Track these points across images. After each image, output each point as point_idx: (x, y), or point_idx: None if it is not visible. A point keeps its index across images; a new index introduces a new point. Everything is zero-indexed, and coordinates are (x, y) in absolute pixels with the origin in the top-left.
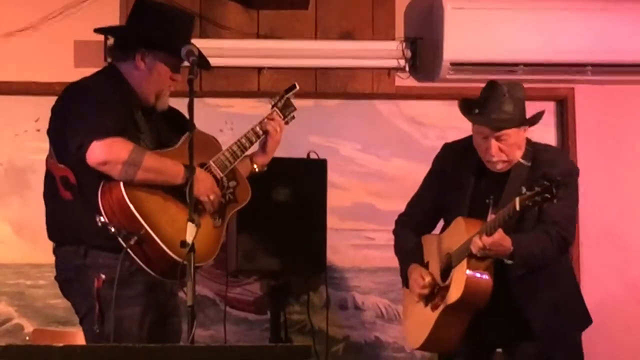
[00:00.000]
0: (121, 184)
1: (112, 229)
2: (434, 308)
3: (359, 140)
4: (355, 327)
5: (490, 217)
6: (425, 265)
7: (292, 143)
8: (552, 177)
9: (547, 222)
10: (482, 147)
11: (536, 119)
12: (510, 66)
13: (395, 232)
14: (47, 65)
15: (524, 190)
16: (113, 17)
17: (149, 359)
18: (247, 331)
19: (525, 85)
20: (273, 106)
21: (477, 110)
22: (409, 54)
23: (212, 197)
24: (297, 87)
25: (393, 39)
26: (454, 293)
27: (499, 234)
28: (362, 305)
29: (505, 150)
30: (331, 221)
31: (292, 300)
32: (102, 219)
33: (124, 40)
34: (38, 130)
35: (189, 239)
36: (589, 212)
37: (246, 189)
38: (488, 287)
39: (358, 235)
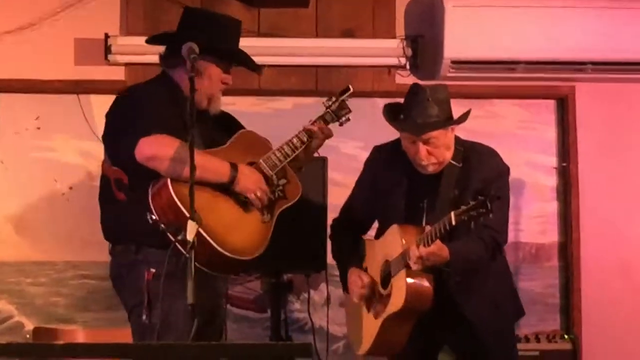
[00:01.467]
0: (169, 181)
1: (162, 226)
2: (376, 315)
3: (360, 138)
4: None
5: (426, 220)
6: (364, 270)
7: None
8: (487, 192)
9: (479, 227)
10: (411, 152)
11: (463, 118)
12: (510, 64)
13: (331, 237)
14: (47, 63)
15: (456, 191)
16: (113, 16)
17: (151, 356)
18: (247, 329)
19: (526, 83)
20: (327, 108)
21: (402, 116)
22: (409, 52)
23: (258, 194)
24: (352, 90)
25: (394, 37)
26: (396, 302)
27: (436, 245)
28: None
29: (434, 152)
30: (332, 219)
31: (293, 298)
32: (152, 217)
33: (174, 48)
34: (38, 128)
35: (190, 236)
36: (589, 209)
37: (297, 187)
38: (429, 293)
39: None
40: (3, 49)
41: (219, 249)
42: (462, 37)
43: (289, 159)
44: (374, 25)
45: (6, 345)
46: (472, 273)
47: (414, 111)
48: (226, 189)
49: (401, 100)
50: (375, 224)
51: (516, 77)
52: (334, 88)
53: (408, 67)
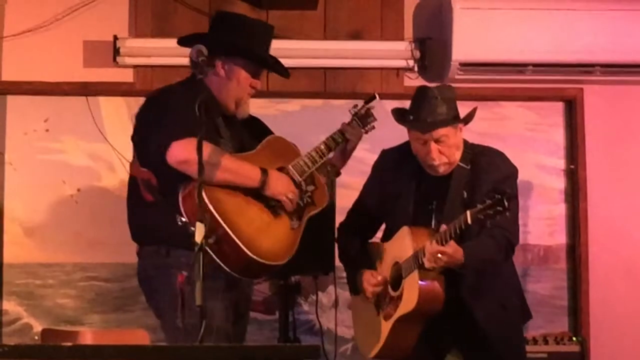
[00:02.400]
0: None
1: (192, 228)
2: (386, 317)
3: (368, 140)
4: None
5: (435, 222)
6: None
7: (300, 143)
8: (503, 190)
9: (491, 227)
10: (422, 153)
11: (470, 117)
12: (519, 66)
13: (338, 240)
14: (56, 65)
15: (465, 193)
16: (122, 18)
17: (160, 358)
18: (256, 331)
19: (534, 86)
20: (353, 115)
21: (411, 117)
22: (417, 54)
23: (290, 196)
24: (377, 98)
25: (402, 39)
26: (408, 303)
27: (452, 247)
28: None
29: (445, 152)
30: (339, 221)
31: (301, 300)
32: (182, 219)
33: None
34: (47, 130)
35: (198, 238)
36: (597, 212)
37: (324, 194)
38: (440, 295)
39: None
40: (12, 51)
41: (248, 252)
42: (471, 40)
43: (317, 165)
44: (382, 27)
45: (15, 347)
46: (483, 274)
47: (423, 111)
48: (257, 193)
49: (409, 101)
50: (382, 227)
51: (524, 79)
52: (342, 90)
53: (416, 69)
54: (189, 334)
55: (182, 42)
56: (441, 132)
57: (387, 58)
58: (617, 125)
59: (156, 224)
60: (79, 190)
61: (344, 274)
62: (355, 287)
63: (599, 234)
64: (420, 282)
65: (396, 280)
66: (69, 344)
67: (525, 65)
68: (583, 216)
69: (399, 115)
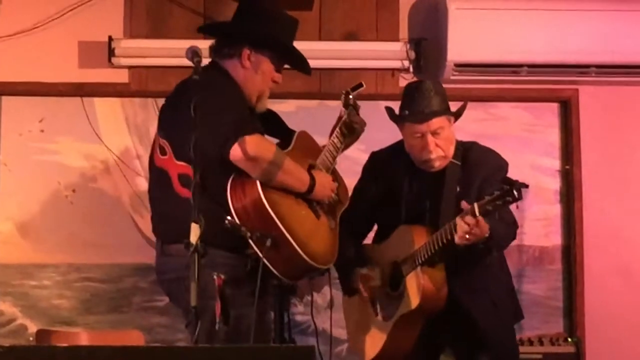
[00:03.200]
0: (258, 184)
1: (243, 229)
2: (386, 318)
3: (363, 141)
4: None
5: (429, 219)
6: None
7: None
8: (511, 180)
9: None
10: (417, 148)
11: (461, 110)
12: (514, 67)
13: None
14: (51, 66)
15: (458, 188)
16: (117, 19)
17: (153, 359)
18: None
19: (529, 86)
20: (351, 105)
21: (406, 112)
22: (412, 54)
23: (333, 197)
24: (364, 86)
25: (397, 39)
26: (411, 300)
27: (481, 220)
28: None
29: (441, 145)
30: None
31: (296, 301)
32: (230, 219)
33: (229, 38)
34: (42, 131)
35: (193, 239)
36: (593, 212)
37: (345, 189)
38: (444, 292)
39: None
40: (7, 52)
41: (303, 255)
42: (466, 40)
43: (335, 160)
44: (377, 28)
45: (10, 348)
46: (473, 270)
47: (418, 103)
48: (303, 195)
49: None
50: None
51: (520, 80)
52: (337, 91)
53: (411, 69)
54: (221, 339)
55: (205, 30)
56: (438, 123)
57: (382, 59)
58: (613, 125)
59: (190, 221)
60: (74, 191)
61: None
62: (349, 288)
63: (594, 235)
64: (424, 279)
65: (395, 279)
66: (64, 345)
67: (520, 66)
68: (578, 217)
69: (392, 112)
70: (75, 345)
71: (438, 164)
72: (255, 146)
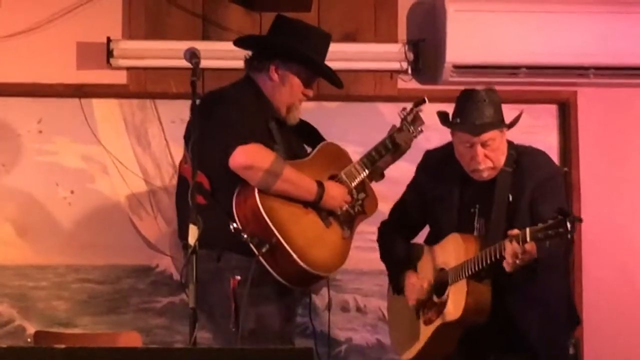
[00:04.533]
0: (256, 192)
1: (245, 236)
2: (427, 322)
3: (361, 142)
4: (357, 330)
5: (478, 227)
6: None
7: None
8: (566, 211)
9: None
10: (466, 157)
11: (516, 121)
12: (512, 69)
13: (381, 239)
14: (49, 67)
15: (510, 197)
16: (115, 20)
17: None
18: None
19: (528, 88)
20: (403, 119)
21: (458, 120)
22: (411, 56)
23: (344, 208)
24: (427, 102)
25: (395, 41)
26: (453, 312)
27: (531, 245)
28: (364, 307)
29: (491, 156)
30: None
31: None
32: (235, 225)
33: (261, 51)
34: (40, 132)
35: (191, 240)
36: (591, 214)
37: (374, 201)
38: (487, 307)
39: (360, 238)
40: (5, 53)
41: (300, 263)
42: (464, 42)
43: (367, 172)
44: (375, 29)
45: (7, 349)
46: (532, 277)
47: (470, 113)
48: (310, 203)
49: (403, 104)
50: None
51: (518, 81)
52: (335, 92)
53: (410, 71)
54: (244, 339)
55: (238, 43)
56: (488, 135)
57: (380, 60)
58: (611, 127)
59: (208, 228)
60: (72, 192)
61: (339, 277)
62: (397, 287)
63: (593, 236)
64: (468, 292)
65: (440, 285)
66: (62, 346)
67: (518, 67)
68: None
69: (445, 117)
70: (73, 347)
71: (487, 175)
72: (251, 155)
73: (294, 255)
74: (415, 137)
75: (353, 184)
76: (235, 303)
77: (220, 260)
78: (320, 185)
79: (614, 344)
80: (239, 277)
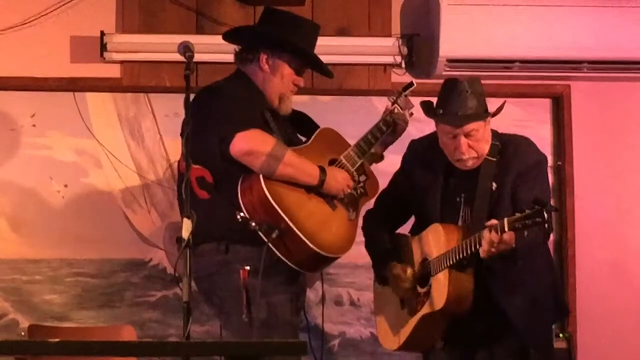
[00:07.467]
0: (261, 178)
1: (253, 224)
2: (412, 312)
3: (355, 136)
4: (350, 323)
5: (462, 216)
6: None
7: None
8: (544, 201)
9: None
10: (450, 147)
11: (499, 110)
12: (506, 63)
13: (365, 228)
14: (43, 61)
15: (494, 185)
16: (109, 13)
17: (146, 354)
18: None
19: (522, 82)
20: (393, 103)
21: (440, 111)
22: (405, 50)
23: (347, 191)
24: (415, 85)
25: (389, 35)
26: (436, 302)
27: (508, 234)
28: (358, 301)
29: (474, 146)
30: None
31: None
32: (242, 214)
33: (250, 43)
34: (34, 126)
35: (185, 234)
36: (584, 208)
37: (375, 183)
38: (469, 297)
39: None
40: None
41: (311, 246)
42: (458, 36)
43: (366, 155)
44: (369, 23)
45: (1, 343)
46: (514, 270)
47: (453, 104)
48: (314, 187)
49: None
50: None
51: (512, 75)
52: (329, 86)
53: (404, 65)
54: (256, 329)
55: (227, 37)
56: (471, 126)
57: (374, 54)
58: (605, 121)
59: (213, 221)
60: (65, 186)
61: (332, 271)
62: (382, 278)
63: (586, 230)
64: (450, 281)
65: (424, 276)
66: (56, 339)
67: (512, 61)
68: (570, 212)
69: (428, 108)
70: (67, 340)
71: (471, 164)
72: (250, 140)
73: (305, 239)
74: (412, 115)
75: (354, 167)
76: (246, 293)
77: (228, 252)
78: (322, 169)
79: (607, 337)
80: (248, 267)
